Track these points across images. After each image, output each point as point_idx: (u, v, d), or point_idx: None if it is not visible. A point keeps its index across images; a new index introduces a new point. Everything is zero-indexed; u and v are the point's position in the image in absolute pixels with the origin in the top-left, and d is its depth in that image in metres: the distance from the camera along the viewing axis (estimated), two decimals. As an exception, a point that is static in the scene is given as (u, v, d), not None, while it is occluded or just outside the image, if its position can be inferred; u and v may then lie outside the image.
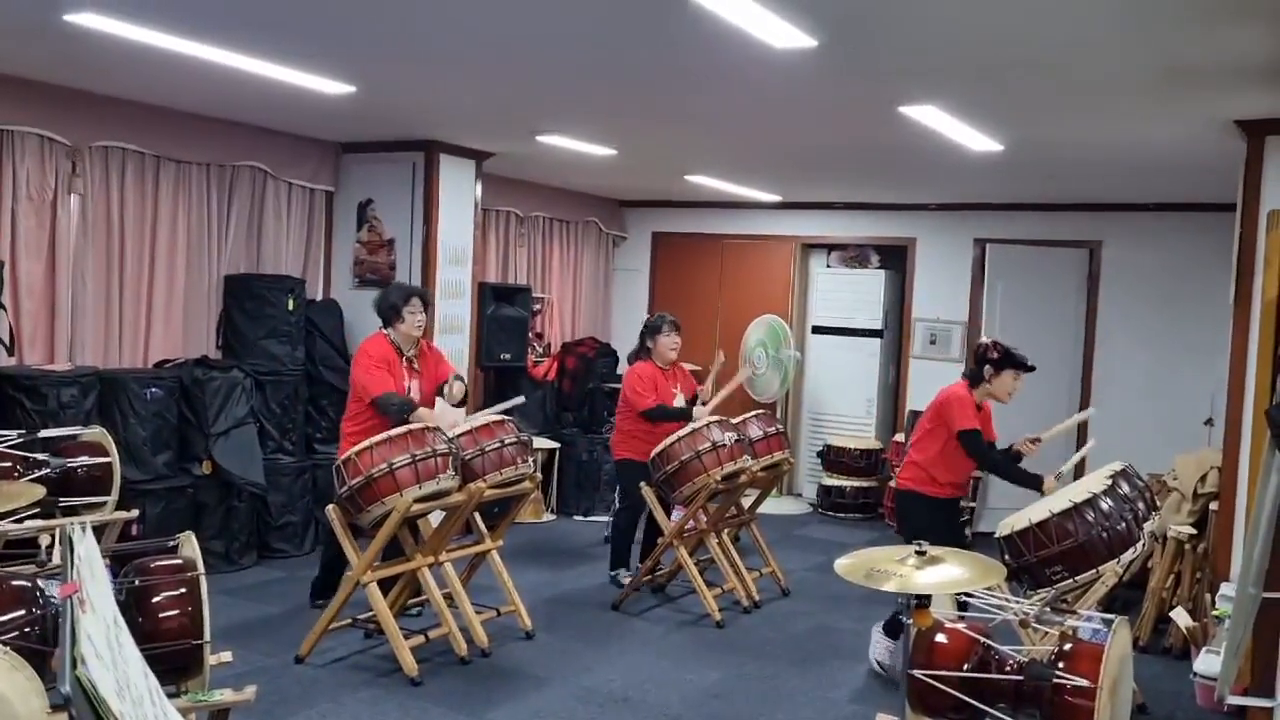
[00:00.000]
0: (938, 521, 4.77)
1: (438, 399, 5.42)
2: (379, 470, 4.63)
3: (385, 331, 5.28)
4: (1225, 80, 4.30)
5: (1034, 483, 4.73)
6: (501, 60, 4.66)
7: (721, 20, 3.72)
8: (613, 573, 6.29)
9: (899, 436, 8.41)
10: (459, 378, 5.41)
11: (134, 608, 3.20)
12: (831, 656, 5.29)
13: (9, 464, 4.59)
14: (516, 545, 6.78)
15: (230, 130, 6.56)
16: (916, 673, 3.29)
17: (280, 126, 6.74)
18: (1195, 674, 4.02)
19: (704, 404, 6.21)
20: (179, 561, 3.40)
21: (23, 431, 4.88)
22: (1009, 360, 4.82)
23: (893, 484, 6.34)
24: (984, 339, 5.09)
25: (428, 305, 5.37)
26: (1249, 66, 4.05)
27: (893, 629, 4.78)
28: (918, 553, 3.23)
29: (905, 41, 4.01)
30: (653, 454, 5.85)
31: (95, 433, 5.02)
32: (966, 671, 3.31)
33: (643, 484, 5.95)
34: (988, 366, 4.85)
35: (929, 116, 5.23)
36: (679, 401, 6.20)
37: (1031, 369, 4.89)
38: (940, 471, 4.89)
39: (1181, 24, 3.64)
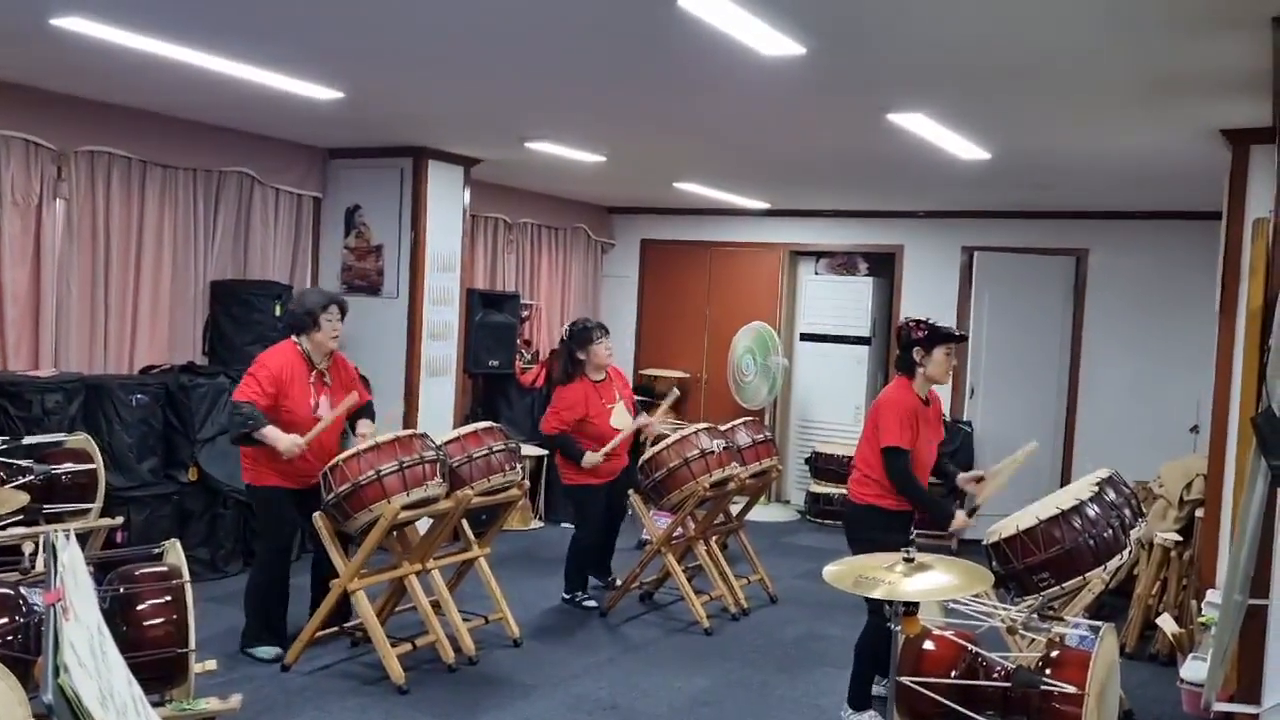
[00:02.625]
0: (889, 539, 3.95)
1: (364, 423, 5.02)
2: (366, 477, 4.61)
3: (295, 340, 4.91)
4: (1210, 89, 4.32)
5: (943, 518, 4.37)
6: (491, 67, 4.66)
7: (710, 27, 3.72)
8: (569, 596, 6.07)
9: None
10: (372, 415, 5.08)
11: (119, 616, 3.18)
12: (820, 663, 5.28)
13: (-8, 470, 4.56)
14: (504, 553, 6.76)
15: (217, 135, 6.54)
16: (904, 680, 3.29)
17: (268, 132, 6.72)
18: (1182, 680, 4.03)
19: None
20: (164, 569, 3.39)
21: (6, 438, 4.86)
22: (936, 336, 4.35)
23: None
24: (904, 319, 4.57)
25: (345, 313, 5.01)
26: (1234, 76, 4.07)
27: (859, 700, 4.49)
28: (906, 560, 3.23)
29: (893, 49, 4.03)
30: (641, 460, 5.84)
31: (80, 439, 4.99)
32: (954, 679, 3.32)
33: (630, 491, 5.94)
34: (917, 349, 4.36)
35: (917, 124, 5.24)
36: (617, 413, 5.92)
37: (963, 338, 4.45)
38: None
39: (1167, 34, 3.66)
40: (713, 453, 5.75)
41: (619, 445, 5.89)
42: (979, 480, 4.58)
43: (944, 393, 4.96)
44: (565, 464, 6.00)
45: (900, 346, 4.50)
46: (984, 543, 4.31)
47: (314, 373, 4.91)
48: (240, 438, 4.73)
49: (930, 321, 4.46)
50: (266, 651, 4.89)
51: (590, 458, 5.75)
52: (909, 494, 4.33)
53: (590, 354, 5.90)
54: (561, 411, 5.84)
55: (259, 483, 4.90)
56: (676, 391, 6.44)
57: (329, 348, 4.95)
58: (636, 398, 6.45)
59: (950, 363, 4.45)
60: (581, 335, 5.93)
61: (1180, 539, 5.52)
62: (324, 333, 4.89)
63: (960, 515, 4.39)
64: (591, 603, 6.04)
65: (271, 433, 4.68)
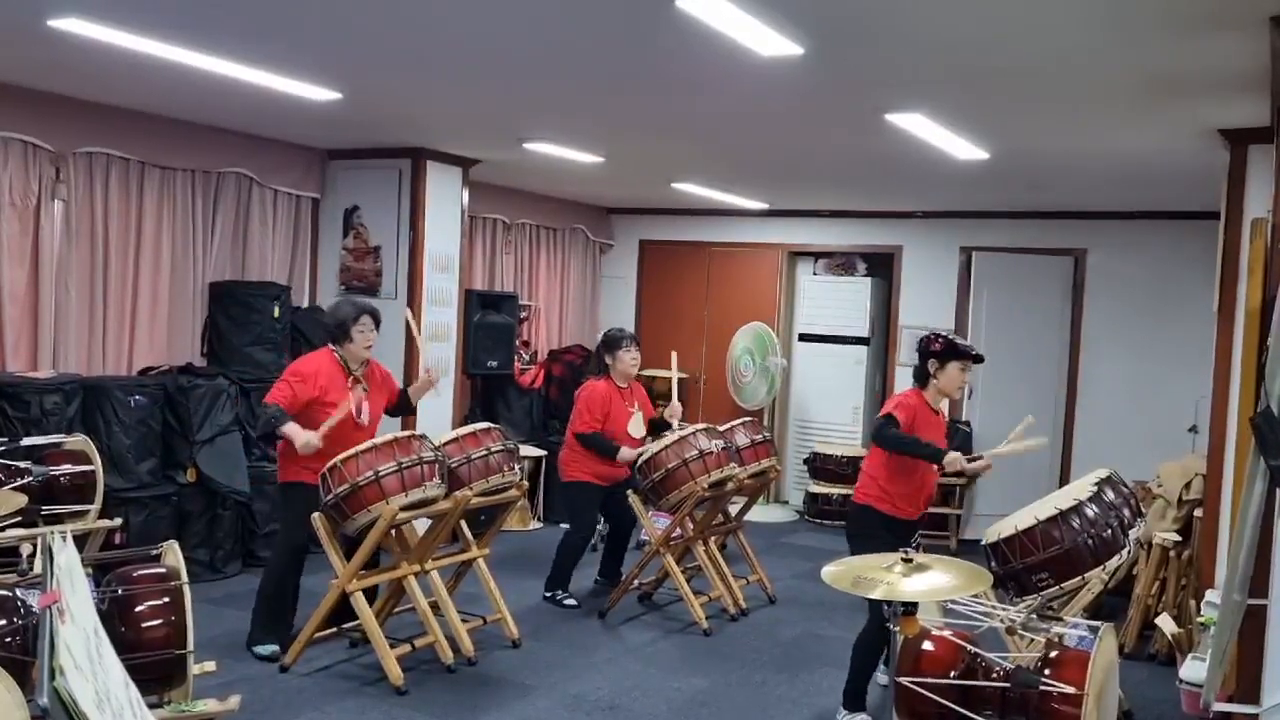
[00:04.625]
0: (885, 542, 4.05)
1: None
2: (365, 478, 4.60)
3: (332, 349, 5.01)
4: (1208, 89, 4.32)
5: (937, 455, 4.30)
6: (489, 67, 4.66)
7: (708, 28, 3.72)
8: (549, 593, 6.12)
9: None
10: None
11: (117, 617, 3.18)
12: (819, 664, 5.28)
13: (-9, 472, 4.55)
14: (503, 553, 6.76)
15: (215, 137, 6.54)
16: (903, 680, 3.29)
17: (266, 133, 6.72)
18: (1181, 681, 4.02)
19: (661, 431, 6.09)
20: (162, 570, 3.39)
21: (5, 439, 4.85)
22: (953, 351, 4.44)
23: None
24: (925, 332, 4.63)
25: (378, 322, 5.10)
26: (1231, 76, 4.07)
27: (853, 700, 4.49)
28: (904, 560, 3.23)
29: (891, 49, 4.03)
30: (639, 461, 5.85)
31: (78, 440, 4.99)
32: (953, 679, 3.31)
33: (629, 492, 5.95)
34: (932, 360, 4.45)
35: (915, 124, 5.24)
36: (635, 422, 6.06)
37: (979, 359, 4.54)
38: (892, 485, 4.44)
39: (1164, 33, 3.66)
40: (711, 453, 5.75)
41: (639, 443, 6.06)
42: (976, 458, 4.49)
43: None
44: (568, 459, 6.06)
45: (918, 356, 4.56)
46: (983, 543, 4.30)
47: (350, 378, 4.98)
48: (266, 435, 4.76)
49: (950, 337, 4.53)
50: (265, 649, 4.89)
51: (625, 453, 5.90)
52: (900, 447, 4.37)
53: (616, 360, 6.06)
54: (592, 408, 5.97)
55: (293, 479, 4.92)
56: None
57: (363, 357, 5.02)
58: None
59: (963, 379, 4.50)
60: (612, 341, 6.11)
61: (1179, 539, 5.52)
62: (357, 344, 4.97)
63: (955, 454, 4.30)
64: (571, 601, 6.07)
65: (291, 428, 4.74)
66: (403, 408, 5.41)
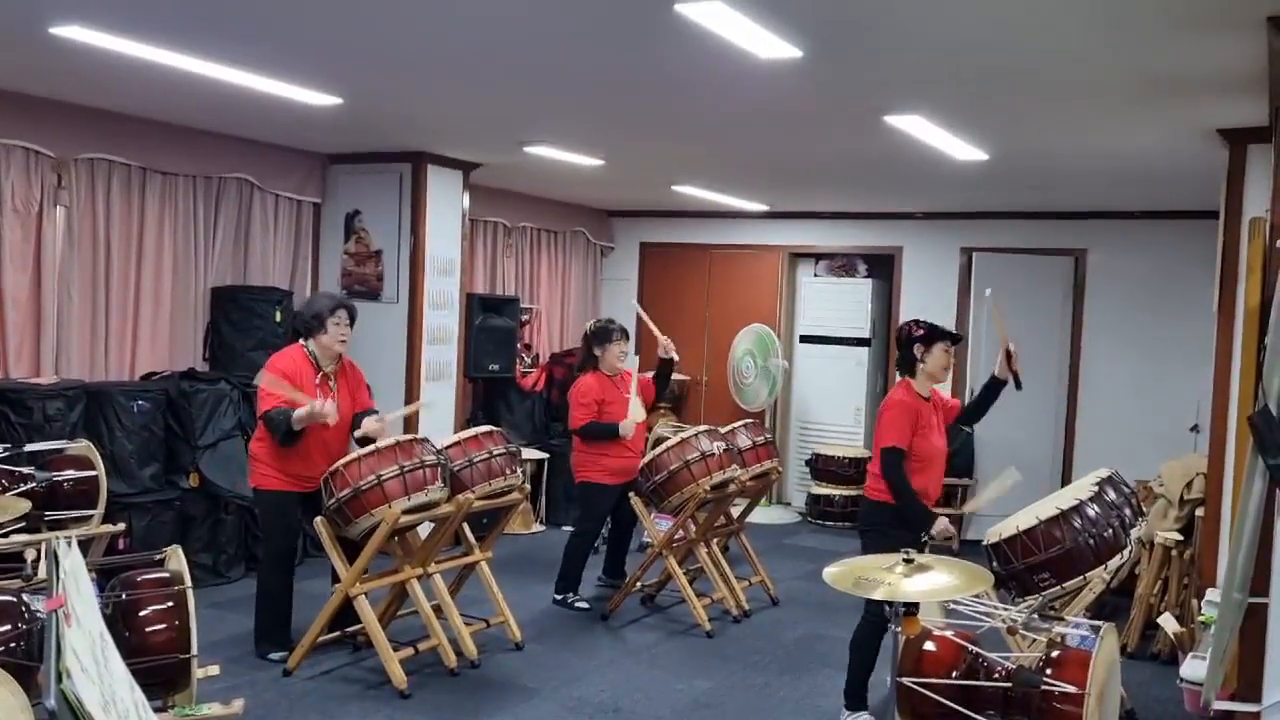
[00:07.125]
0: (897, 538, 4.06)
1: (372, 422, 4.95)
2: (367, 482, 4.62)
3: (303, 344, 4.97)
4: (1207, 89, 4.33)
5: (925, 520, 4.30)
6: (488, 71, 4.67)
7: (707, 31, 3.73)
8: (560, 596, 6.08)
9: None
10: (376, 415, 5.03)
11: (121, 622, 3.19)
12: (821, 665, 5.29)
13: (-6, 478, 4.56)
14: (506, 556, 6.76)
15: (217, 142, 6.55)
16: (905, 680, 3.29)
17: (267, 138, 6.73)
18: (1182, 679, 4.02)
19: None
20: (166, 575, 3.40)
21: (8, 445, 4.86)
22: (935, 333, 4.50)
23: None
24: (903, 322, 4.67)
25: (354, 319, 5.05)
26: (1230, 76, 4.08)
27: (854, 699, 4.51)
28: (906, 560, 3.24)
29: (890, 51, 4.04)
30: (642, 463, 5.85)
31: (81, 446, 4.99)
32: (955, 679, 3.32)
33: (631, 494, 5.95)
34: (918, 345, 4.48)
35: (914, 126, 5.25)
36: (635, 406, 5.99)
37: (958, 339, 4.60)
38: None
39: (1163, 34, 3.67)
40: (713, 455, 5.76)
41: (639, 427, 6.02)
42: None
43: (945, 392, 5.00)
44: (581, 461, 6.04)
45: (900, 347, 4.58)
46: (984, 543, 4.31)
47: (320, 375, 4.93)
48: (286, 436, 4.73)
49: (929, 322, 4.58)
50: (278, 654, 4.91)
51: (626, 425, 5.85)
52: (897, 491, 4.39)
53: (605, 352, 6.02)
54: (585, 402, 5.92)
55: (265, 487, 4.92)
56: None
57: (335, 351, 4.95)
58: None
59: (949, 360, 4.56)
60: (600, 333, 6.07)
61: (1181, 538, 5.52)
62: (330, 336, 4.91)
63: (943, 521, 4.36)
64: (583, 604, 6.05)
65: (302, 412, 4.65)
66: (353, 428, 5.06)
